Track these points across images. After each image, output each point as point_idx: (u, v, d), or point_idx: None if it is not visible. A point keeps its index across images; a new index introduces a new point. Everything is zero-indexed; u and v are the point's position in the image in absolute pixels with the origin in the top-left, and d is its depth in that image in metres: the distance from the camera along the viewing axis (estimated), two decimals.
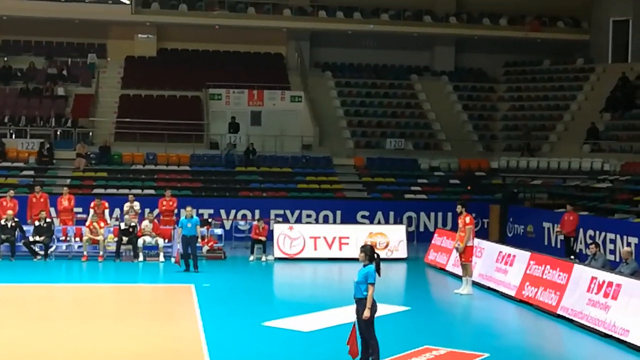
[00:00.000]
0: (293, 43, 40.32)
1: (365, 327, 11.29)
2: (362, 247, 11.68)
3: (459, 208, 19.04)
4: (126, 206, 24.50)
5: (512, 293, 18.01)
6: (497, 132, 37.62)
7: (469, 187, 32.13)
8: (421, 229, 29.37)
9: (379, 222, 28.84)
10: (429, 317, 16.37)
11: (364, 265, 11.45)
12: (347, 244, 24.23)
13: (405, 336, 13.99)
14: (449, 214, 29.42)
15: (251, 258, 23.80)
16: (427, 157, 34.60)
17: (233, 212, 28.61)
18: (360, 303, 11.28)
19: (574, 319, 15.26)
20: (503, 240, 26.81)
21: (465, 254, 18.68)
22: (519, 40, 40.28)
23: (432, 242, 24.06)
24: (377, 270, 11.38)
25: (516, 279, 18.10)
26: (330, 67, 40.47)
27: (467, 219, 18.67)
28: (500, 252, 19.49)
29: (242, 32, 39.23)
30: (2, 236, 22.62)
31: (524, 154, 34.72)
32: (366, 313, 11.19)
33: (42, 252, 22.92)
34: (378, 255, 11.56)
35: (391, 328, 14.20)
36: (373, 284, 11.24)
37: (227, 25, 38.78)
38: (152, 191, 29.18)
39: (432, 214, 29.75)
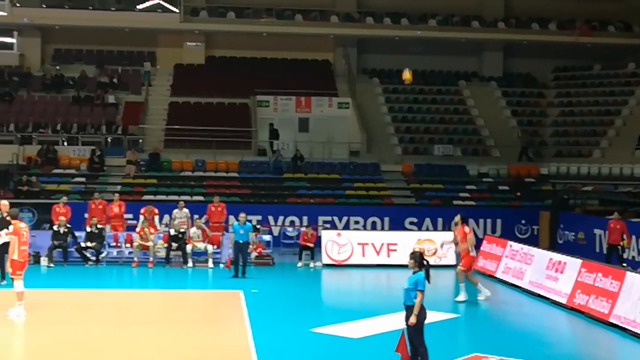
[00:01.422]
0: (340, 49, 40.38)
1: (415, 334, 11.23)
2: (412, 253, 11.63)
3: (457, 218, 18.86)
4: (175, 212, 24.73)
5: (563, 301, 17.77)
6: (546, 138, 37.22)
7: (518, 194, 31.83)
8: None
9: (427, 229, 28.70)
10: (478, 325, 16.24)
11: (414, 272, 11.40)
12: (395, 250, 24.14)
13: (454, 344, 13.91)
14: (498, 221, 29.26)
15: (299, 264, 23.84)
16: (476, 163, 34.37)
17: (281, 218, 28.71)
18: (410, 310, 11.24)
19: (627, 327, 15.01)
20: (553, 247, 26.50)
21: (466, 261, 18.50)
22: (569, 45, 39.80)
23: (481, 248, 23.86)
24: (427, 277, 11.33)
25: (567, 286, 17.86)
26: (378, 73, 40.45)
27: (466, 229, 18.54)
28: (551, 259, 19.25)
29: (289, 39, 39.39)
30: (55, 242, 22.98)
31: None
32: (412, 319, 11.14)
33: (93, 258, 23.23)
34: (427, 262, 11.50)
35: (440, 335, 14.10)
36: (422, 291, 11.19)
37: (274, 33, 38.96)
38: (201, 197, 29.39)
39: (481, 221, 29.48)
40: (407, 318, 11.30)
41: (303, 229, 25.05)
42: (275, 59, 40.14)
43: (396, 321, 15.01)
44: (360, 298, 19.71)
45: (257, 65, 39.68)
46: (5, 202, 19.98)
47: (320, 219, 28.62)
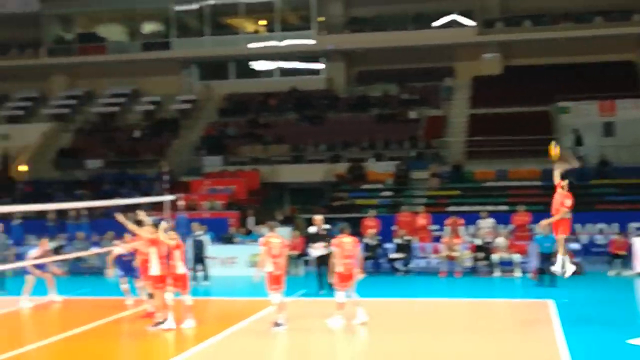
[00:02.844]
0: None
1: None
2: None
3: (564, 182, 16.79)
4: (480, 222, 25.02)
5: None
6: None
7: None
8: None
9: None
10: None
11: None
12: None
13: None
14: None
15: (610, 273, 23.13)
16: None
17: (589, 226, 27.98)
18: None
19: None
20: None
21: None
22: None
23: None
24: None
25: None
26: None
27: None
28: None
29: (588, 42, 38.21)
30: (367, 253, 24.23)
31: None
32: None
33: (403, 268, 24.18)
34: None
35: None
36: None
37: (573, 37, 38.01)
38: (504, 207, 29.39)
39: None
40: None
41: (614, 236, 24.26)
42: (574, 63, 38.96)
43: None
44: None
45: (555, 72, 38.81)
46: (318, 217, 21.45)
47: (631, 225, 27.47)
